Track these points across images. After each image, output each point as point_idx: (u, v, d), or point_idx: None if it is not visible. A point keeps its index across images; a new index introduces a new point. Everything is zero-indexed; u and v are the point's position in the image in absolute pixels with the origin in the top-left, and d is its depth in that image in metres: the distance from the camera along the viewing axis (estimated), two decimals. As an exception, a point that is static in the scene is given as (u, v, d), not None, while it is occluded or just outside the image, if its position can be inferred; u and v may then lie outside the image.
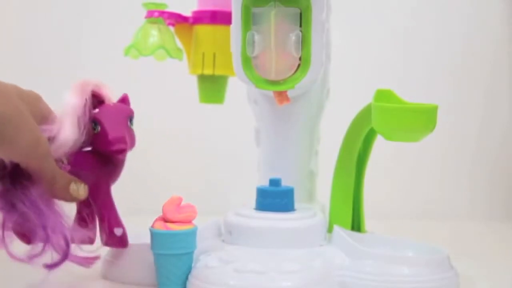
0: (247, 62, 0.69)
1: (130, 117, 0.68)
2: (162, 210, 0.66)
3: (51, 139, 0.64)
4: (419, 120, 0.66)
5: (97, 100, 0.68)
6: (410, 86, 0.99)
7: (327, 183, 0.77)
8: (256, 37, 0.68)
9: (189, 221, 0.66)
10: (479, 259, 0.86)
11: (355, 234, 0.74)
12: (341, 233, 0.71)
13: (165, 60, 0.80)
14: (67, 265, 0.67)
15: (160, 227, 0.66)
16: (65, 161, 0.66)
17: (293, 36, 0.68)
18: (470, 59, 1.18)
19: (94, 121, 0.67)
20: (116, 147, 0.66)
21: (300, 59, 0.68)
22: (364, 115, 0.72)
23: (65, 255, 0.65)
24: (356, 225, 0.77)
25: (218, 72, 0.80)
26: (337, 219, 0.75)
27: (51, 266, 0.65)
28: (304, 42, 0.68)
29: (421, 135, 0.68)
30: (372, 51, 1.18)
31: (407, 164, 1.18)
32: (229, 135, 0.78)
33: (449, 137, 1.17)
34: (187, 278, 0.66)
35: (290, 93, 0.71)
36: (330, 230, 0.74)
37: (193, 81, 0.83)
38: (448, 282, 0.68)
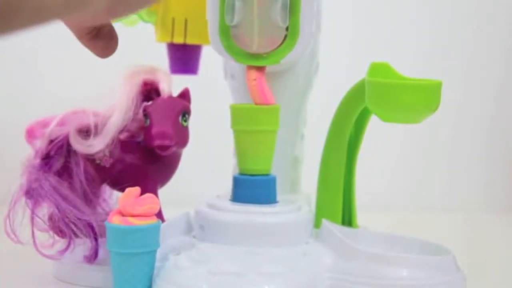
0: (225, 31, 0.68)
1: (183, 112, 0.71)
2: (119, 203, 0.65)
3: (100, 125, 0.70)
4: (420, 99, 0.65)
5: (153, 89, 0.72)
6: (410, 59, 0.96)
7: (314, 172, 0.75)
8: (237, 3, 0.66)
9: (151, 215, 0.65)
10: (491, 260, 0.86)
11: (347, 229, 0.73)
12: (331, 228, 0.70)
13: (135, 25, 0.79)
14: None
15: (118, 221, 0.64)
16: (107, 153, 0.70)
17: (279, 3, 0.66)
18: (483, 33, 1.17)
19: (145, 114, 0.71)
20: (158, 142, 0.69)
21: (286, 29, 0.67)
22: (357, 93, 0.70)
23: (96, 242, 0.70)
24: (347, 219, 0.75)
25: (190, 41, 0.78)
26: (326, 212, 0.73)
27: (89, 257, 0.70)
28: (292, 9, 0.66)
29: (422, 115, 0.66)
30: (367, 17, 1.16)
31: (406, 148, 1.17)
32: (201, 113, 0.78)
33: (460, 121, 1.17)
34: (148, 280, 0.65)
35: (274, 68, 0.70)
36: (317, 225, 0.73)
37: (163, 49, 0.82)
38: (454, 286, 0.66)
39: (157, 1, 0.53)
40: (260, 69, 0.68)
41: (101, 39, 0.56)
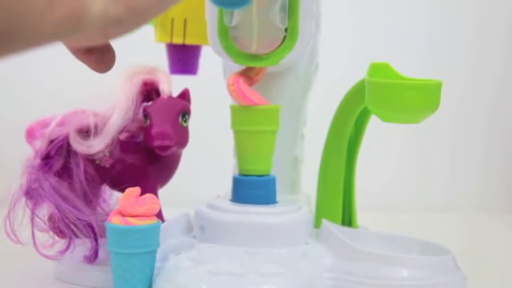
0: (224, 32, 0.67)
1: (183, 113, 0.71)
2: (119, 203, 0.65)
3: (100, 125, 0.69)
4: (420, 99, 0.65)
5: (153, 89, 0.72)
6: (410, 59, 0.95)
7: (314, 172, 0.75)
8: None
9: (151, 215, 0.65)
10: (490, 260, 0.86)
11: (347, 229, 0.73)
12: (331, 228, 0.70)
13: None
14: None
15: (118, 221, 0.64)
16: (107, 154, 0.70)
17: (278, 4, 0.65)
18: (483, 33, 1.16)
19: (145, 114, 0.71)
20: (158, 143, 0.69)
21: (285, 30, 0.67)
22: (357, 93, 0.70)
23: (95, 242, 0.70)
24: (347, 219, 0.75)
25: (189, 41, 0.78)
26: (326, 212, 0.73)
27: (89, 258, 0.70)
28: (291, 11, 0.66)
29: (422, 115, 0.66)
30: (367, 17, 1.16)
31: (406, 148, 1.17)
32: (201, 114, 0.77)
33: (460, 121, 1.17)
34: (149, 281, 0.65)
35: (274, 68, 0.70)
36: (317, 225, 0.73)
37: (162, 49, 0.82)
38: (454, 286, 0.66)
39: (149, 21, 0.52)
40: (239, 73, 0.68)
41: (96, 53, 0.55)
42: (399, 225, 0.95)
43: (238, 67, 0.71)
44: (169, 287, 0.63)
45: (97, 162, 0.71)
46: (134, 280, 0.64)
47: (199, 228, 0.70)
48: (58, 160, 0.70)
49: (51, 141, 0.70)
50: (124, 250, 0.64)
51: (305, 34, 0.66)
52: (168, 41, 0.78)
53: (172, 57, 0.80)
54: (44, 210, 0.70)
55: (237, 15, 0.66)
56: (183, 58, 0.80)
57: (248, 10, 0.65)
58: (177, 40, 0.78)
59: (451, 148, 1.16)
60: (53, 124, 0.70)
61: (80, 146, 0.70)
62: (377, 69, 0.68)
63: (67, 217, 0.68)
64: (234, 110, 0.69)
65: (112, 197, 0.74)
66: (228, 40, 0.67)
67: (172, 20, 0.78)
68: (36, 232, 0.69)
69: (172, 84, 0.72)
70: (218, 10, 0.66)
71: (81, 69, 0.98)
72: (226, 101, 0.74)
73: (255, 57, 0.67)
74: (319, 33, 0.76)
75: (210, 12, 0.67)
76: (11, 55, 0.43)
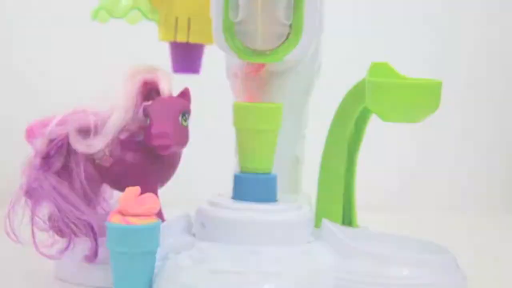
0: (229, 28, 0.67)
1: (183, 112, 0.71)
2: (119, 202, 0.65)
3: (100, 124, 0.69)
4: (421, 98, 0.65)
5: (153, 89, 0.72)
6: (410, 59, 0.96)
7: (314, 172, 0.75)
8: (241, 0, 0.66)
9: (151, 214, 0.65)
10: (491, 259, 0.86)
11: (347, 229, 0.73)
12: (331, 228, 0.69)
13: (138, 23, 0.79)
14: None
15: (119, 221, 0.64)
16: (107, 153, 0.70)
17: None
18: (484, 32, 1.17)
19: (145, 114, 0.70)
20: (158, 142, 0.69)
21: (290, 26, 0.67)
22: (357, 92, 0.70)
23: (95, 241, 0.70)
24: (347, 219, 0.75)
25: (193, 39, 0.78)
26: (326, 212, 0.73)
27: (89, 257, 0.70)
28: (295, 6, 0.66)
29: (422, 115, 0.66)
30: (368, 17, 1.17)
31: (406, 148, 1.17)
32: (202, 112, 0.77)
33: (460, 121, 1.17)
34: (149, 280, 0.65)
35: (276, 67, 0.70)
36: (318, 225, 0.72)
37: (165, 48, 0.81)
38: (454, 285, 0.66)
39: None
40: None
41: None
42: (399, 225, 0.95)
43: (241, 63, 0.71)
44: (170, 286, 0.63)
45: (97, 161, 0.71)
46: (134, 280, 0.64)
47: (200, 226, 0.69)
48: (58, 159, 0.70)
49: (51, 141, 0.70)
50: (124, 250, 0.63)
51: (309, 30, 0.66)
52: (172, 39, 0.78)
53: (175, 56, 0.80)
54: (44, 210, 0.69)
55: (243, 10, 0.66)
56: (186, 56, 0.80)
57: (253, 5, 0.66)
58: (181, 38, 0.78)
59: (451, 148, 1.16)
60: (53, 124, 0.70)
61: (80, 146, 0.69)
62: (377, 68, 0.68)
63: (67, 217, 0.68)
64: (236, 108, 0.69)
65: (112, 197, 0.74)
66: (233, 36, 0.67)
67: (176, 19, 0.77)
68: (36, 232, 0.69)
69: (172, 84, 0.72)
70: (224, 6, 0.66)
71: (82, 70, 0.99)
72: (227, 101, 0.74)
73: (259, 53, 0.67)
74: (322, 33, 0.76)
75: (215, 7, 0.67)
76: None
